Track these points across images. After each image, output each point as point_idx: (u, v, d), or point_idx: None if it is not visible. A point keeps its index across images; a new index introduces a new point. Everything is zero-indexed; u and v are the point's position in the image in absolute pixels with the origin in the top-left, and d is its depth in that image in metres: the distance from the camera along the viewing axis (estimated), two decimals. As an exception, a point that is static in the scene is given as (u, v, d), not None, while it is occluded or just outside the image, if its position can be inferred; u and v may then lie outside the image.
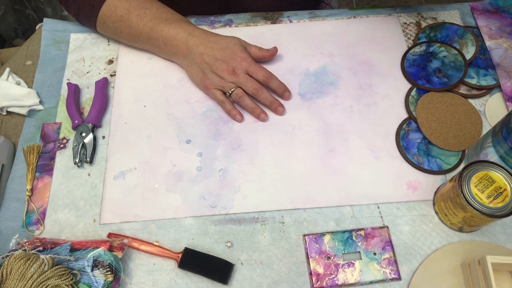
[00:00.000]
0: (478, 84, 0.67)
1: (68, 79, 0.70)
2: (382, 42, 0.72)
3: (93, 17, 0.68)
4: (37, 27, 0.78)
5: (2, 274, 0.48)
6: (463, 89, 0.67)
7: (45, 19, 0.76)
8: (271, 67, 0.70)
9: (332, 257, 0.54)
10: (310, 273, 0.54)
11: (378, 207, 0.58)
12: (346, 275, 0.53)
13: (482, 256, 0.49)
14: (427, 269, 0.53)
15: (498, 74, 0.67)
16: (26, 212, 0.59)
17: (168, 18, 0.66)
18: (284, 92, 0.66)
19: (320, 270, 0.54)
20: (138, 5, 0.66)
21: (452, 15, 0.75)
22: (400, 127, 0.64)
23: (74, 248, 0.53)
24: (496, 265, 0.48)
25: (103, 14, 0.67)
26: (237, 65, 0.64)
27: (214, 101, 0.67)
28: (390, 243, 0.55)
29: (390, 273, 0.53)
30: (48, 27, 0.76)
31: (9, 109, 0.68)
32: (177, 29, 0.65)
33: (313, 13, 0.76)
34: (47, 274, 0.48)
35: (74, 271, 0.50)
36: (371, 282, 0.53)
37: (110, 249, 0.53)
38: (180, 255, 0.55)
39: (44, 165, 0.63)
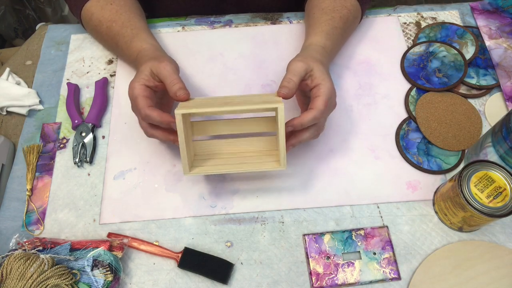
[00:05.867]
0: (478, 84, 0.67)
1: (68, 79, 0.71)
2: (382, 42, 0.72)
3: (78, 17, 0.69)
4: (37, 27, 0.78)
5: (2, 274, 0.48)
6: (463, 89, 0.67)
7: (49, 26, 0.77)
8: (271, 69, 0.70)
9: (332, 257, 0.54)
10: (310, 273, 0.54)
11: (378, 207, 0.58)
12: (346, 275, 0.53)
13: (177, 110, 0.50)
14: (427, 269, 0.53)
15: (497, 74, 0.67)
16: (26, 212, 0.59)
17: (127, 34, 0.64)
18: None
19: (320, 269, 0.54)
20: (108, 17, 0.65)
21: (452, 15, 0.75)
22: (400, 127, 0.64)
23: (74, 248, 0.53)
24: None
25: (84, 18, 0.68)
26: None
27: (214, 101, 0.67)
28: (390, 242, 0.55)
29: (389, 273, 0.53)
30: (51, 33, 0.76)
31: (9, 109, 0.68)
32: (130, 50, 0.64)
33: (313, 13, 0.76)
34: (47, 274, 0.48)
35: (74, 271, 0.50)
36: (370, 282, 0.53)
37: (110, 248, 0.53)
38: (180, 255, 0.55)
39: (44, 165, 0.63)
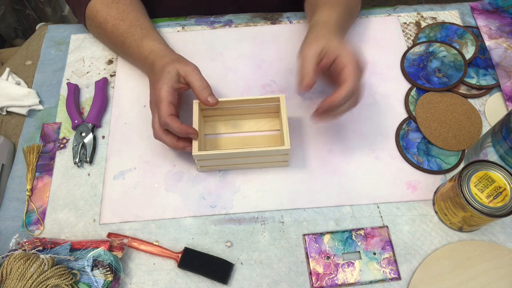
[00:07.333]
0: (477, 83, 0.67)
1: (68, 79, 0.71)
2: (382, 42, 0.72)
3: (82, 15, 0.69)
4: (37, 27, 0.79)
5: (2, 274, 0.48)
6: (462, 89, 0.67)
7: (49, 26, 0.77)
8: (271, 68, 0.70)
9: (332, 257, 0.54)
10: (310, 273, 0.54)
11: (378, 207, 0.58)
12: (346, 275, 0.53)
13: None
14: (426, 269, 0.53)
15: (497, 73, 0.67)
16: (26, 212, 0.59)
17: (136, 33, 0.64)
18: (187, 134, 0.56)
19: (320, 269, 0.54)
20: (115, 15, 0.65)
21: (452, 15, 0.75)
22: (400, 127, 0.64)
23: (74, 248, 0.53)
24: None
25: (88, 16, 0.68)
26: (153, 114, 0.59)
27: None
28: (389, 242, 0.55)
29: (389, 273, 0.53)
30: (51, 33, 0.76)
31: (9, 109, 0.68)
32: (140, 48, 0.63)
33: (313, 13, 0.76)
34: (47, 274, 0.48)
35: (74, 271, 0.50)
36: (370, 282, 0.53)
37: (110, 249, 0.53)
38: (180, 255, 0.55)
39: (44, 165, 0.63)
